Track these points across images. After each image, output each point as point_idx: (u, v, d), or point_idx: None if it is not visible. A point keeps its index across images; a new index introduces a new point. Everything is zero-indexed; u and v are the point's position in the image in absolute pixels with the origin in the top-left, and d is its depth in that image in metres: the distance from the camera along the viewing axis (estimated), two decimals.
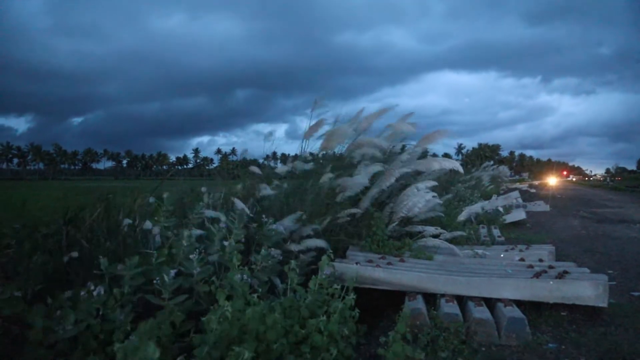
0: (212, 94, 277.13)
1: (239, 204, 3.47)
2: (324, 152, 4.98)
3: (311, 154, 4.89)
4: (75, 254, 2.77)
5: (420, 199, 4.60)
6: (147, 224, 2.88)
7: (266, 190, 4.05)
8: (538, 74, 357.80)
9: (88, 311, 2.10)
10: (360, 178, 4.33)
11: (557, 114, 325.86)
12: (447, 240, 4.51)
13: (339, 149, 5.08)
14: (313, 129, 4.73)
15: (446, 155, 8.91)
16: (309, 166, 4.59)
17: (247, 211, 3.29)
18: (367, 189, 4.58)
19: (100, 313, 2.13)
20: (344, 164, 4.84)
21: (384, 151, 5.15)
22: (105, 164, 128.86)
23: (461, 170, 4.63)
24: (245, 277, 2.28)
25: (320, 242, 3.45)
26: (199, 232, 2.93)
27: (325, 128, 4.75)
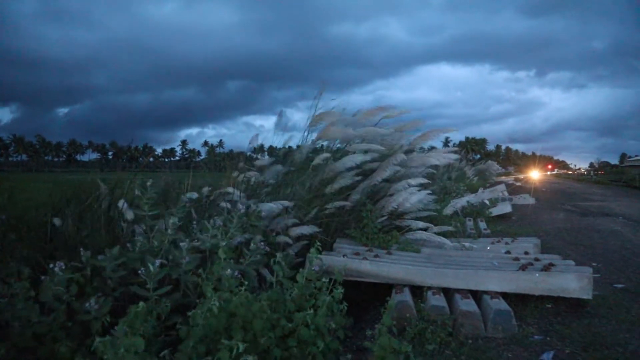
0: (203, 85, 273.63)
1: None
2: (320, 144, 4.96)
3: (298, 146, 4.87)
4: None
5: (412, 195, 4.59)
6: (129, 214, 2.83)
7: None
8: (533, 67, 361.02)
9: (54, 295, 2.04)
10: (347, 160, 4.33)
11: (547, 108, 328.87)
12: (435, 234, 4.51)
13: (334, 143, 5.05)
14: (317, 120, 4.71)
15: (433, 149, 8.91)
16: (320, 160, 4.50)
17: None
18: (358, 182, 4.56)
19: (66, 300, 2.08)
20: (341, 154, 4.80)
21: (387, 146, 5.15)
22: (90, 156, 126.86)
23: (456, 157, 4.68)
24: (232, 271, 2.24)
25: (308, 229, 3.41)
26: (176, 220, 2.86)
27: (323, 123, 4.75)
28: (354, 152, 4.61)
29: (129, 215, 2.92)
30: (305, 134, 4.81)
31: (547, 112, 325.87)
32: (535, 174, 41.58)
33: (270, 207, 3.45)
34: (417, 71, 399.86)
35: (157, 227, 2.77)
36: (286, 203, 3.61)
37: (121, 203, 3.16)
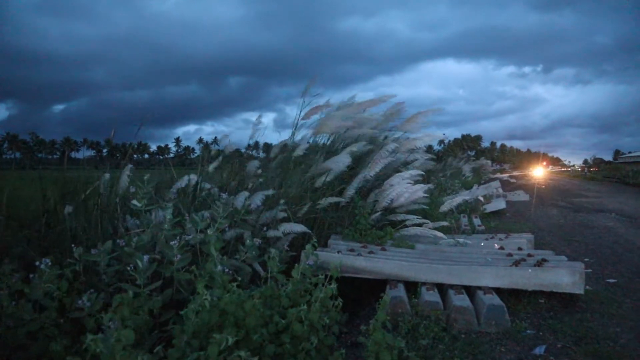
0: (204, 81, 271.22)
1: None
2: (314, 140, 5.00)
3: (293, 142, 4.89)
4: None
5: (405, 189, 4.60)
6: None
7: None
8: (540, 63, 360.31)
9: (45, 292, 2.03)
10: (342, 157, 4.34)
11: (548, 105, 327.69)
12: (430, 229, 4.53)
13: (327, 137, 5.09)
14: (309, 114, 4.74)
15: (429, 147, 8.92)
16: (301, 151, 4.61)
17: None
18: (351, 177, 4.57)
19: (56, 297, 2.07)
20: (332, 150, 4.83)
21: (372, 137, 5.18)
22: (85, 153, 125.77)
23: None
24: (224, 268, 2.24)
25: (298, 227, 3.39)
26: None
27: (316, 116, 4.79)
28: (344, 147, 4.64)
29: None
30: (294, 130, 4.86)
31: (548, 108, 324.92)
32: (530, 171, 41.77)
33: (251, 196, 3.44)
34: (422, 67, 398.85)
35: (153, 222, 2.75)
36: (269, 192, 3.59)
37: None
